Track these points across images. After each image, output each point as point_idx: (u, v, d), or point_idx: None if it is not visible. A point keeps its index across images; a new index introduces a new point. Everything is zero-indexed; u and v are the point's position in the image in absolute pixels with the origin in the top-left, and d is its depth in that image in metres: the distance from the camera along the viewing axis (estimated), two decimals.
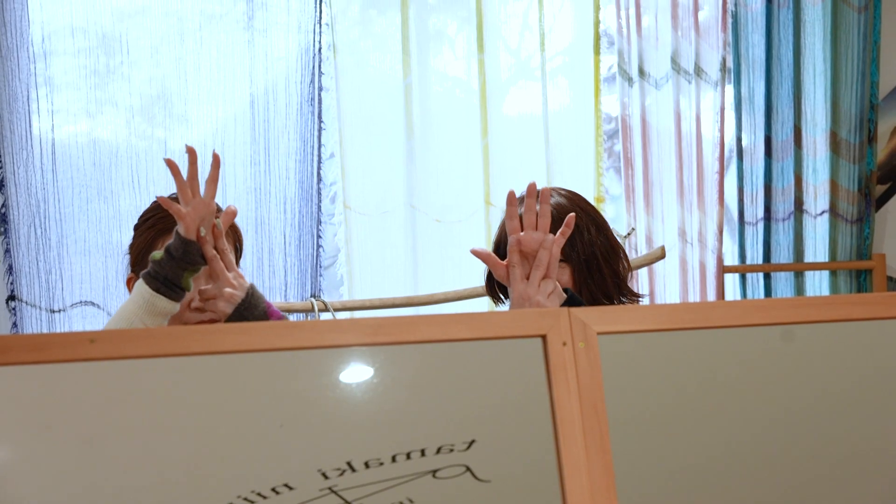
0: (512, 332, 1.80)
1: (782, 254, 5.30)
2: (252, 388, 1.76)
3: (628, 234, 5.12)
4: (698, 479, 1.92)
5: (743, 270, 5.31)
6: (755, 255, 5.31)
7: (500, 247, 2.77)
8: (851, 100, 5.26)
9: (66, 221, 4.70)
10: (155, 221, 2.78)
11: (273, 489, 1.74)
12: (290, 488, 1.74)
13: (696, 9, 5.17)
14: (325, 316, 4.69)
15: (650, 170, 5.18)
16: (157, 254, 2.64)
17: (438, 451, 1.78)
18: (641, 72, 5.17)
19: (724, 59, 5.17)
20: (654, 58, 5.19)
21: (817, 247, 5.29)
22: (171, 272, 2.62)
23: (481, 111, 5.07)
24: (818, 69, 5.25)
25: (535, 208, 2.56)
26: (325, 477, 1.75)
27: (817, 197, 5.27)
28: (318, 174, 4.90)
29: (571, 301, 2.59)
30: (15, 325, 4.70)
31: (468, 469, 1.79)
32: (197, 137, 4.82)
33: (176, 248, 2.62)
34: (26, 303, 4.70)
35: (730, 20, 5.22)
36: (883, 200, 5.40)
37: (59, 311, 4.67)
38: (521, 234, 2.56)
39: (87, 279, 4.67)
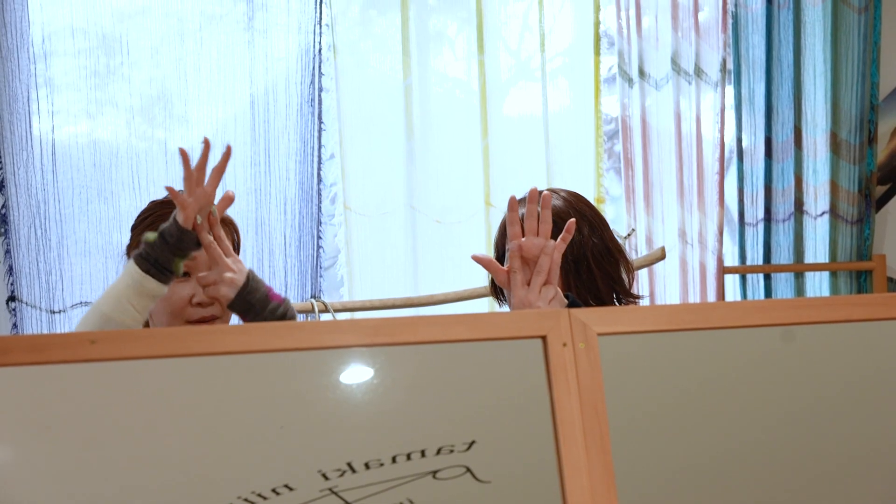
0: (512, 333, 1.80)
1: (782, 255, 5.30)
2: (252, 389, 1.76)
3: (628, 234, 5.12)
4: (698, 480, 1.92)
5: (743, 271, 5.31)
6: (755, 256, 5.31)
7: (499, 249, 2.77)
8: (852, 101, 5.26)
9: (66, 222, 4.70)
10: (154, 220, 2.77)
11: (273, 490, 1.74)
12: (291, 489, 1.74)
13: (697, 9, 5.17)
14: (326, 317, 4.69)
15: (650, 170, 5.18)
16: (151, 235, 2.63)
17: (439, 451, 1.78)
18: (641, 72, 5.17)
19: (724, 60, 5.17)
20: (654, 58, 5.19)
21: (817, 248, 5.29)
22: (162, 256, 2.62)
23: (481, 112, 5.07)
24: (818, 70, 5.25)
25: (536, 213, 2.55)
26: (326, 478, 1.75)
27: (817, 198, 5.27)
28: (319, 175, 4.90)
29: (573, 306, 2.58)
30: (15, 325, 4.70)
31: (468, 470, 1.79)
32: (197, 138, 4.82)
33: (171, 234, 2.62)
34: (26, 303, 4.70)
35: (730, 21, 5.22)
36: (883, 201, 5.40)
37: (60, 311, 4.67)
38: (523, 239, 2.56)
39: (87, 280, 4.67)
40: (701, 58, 5.19)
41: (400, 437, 1.79)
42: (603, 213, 2.98)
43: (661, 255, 4.97)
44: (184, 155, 2.66)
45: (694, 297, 5.16)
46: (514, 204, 2.57)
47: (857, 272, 5.32)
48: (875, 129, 5.30)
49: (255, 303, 2.67)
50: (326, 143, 4.95)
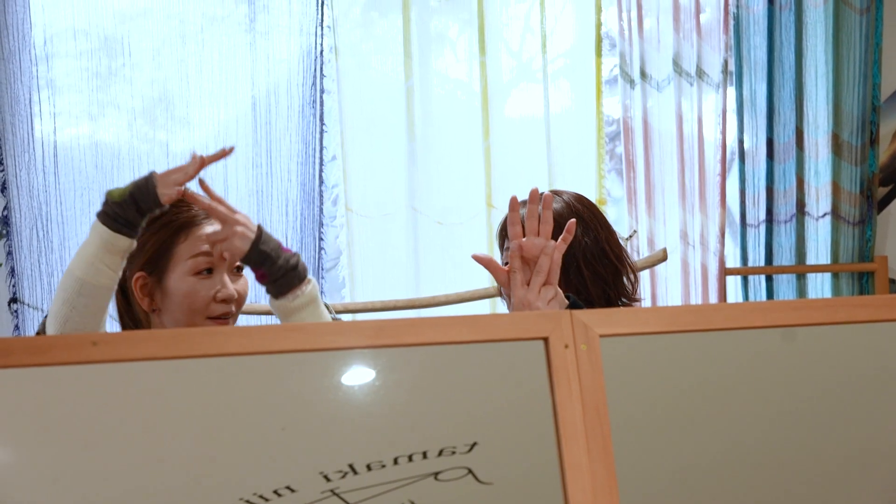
0: (514, 335, 1.80)
1: (784, 256, 5.30)
2: (254, 391, 1.76)
3: (630, 236, 5.12)
4: (700, 481, 1.92)
5: (745, 273, 5.30)
6: (757, 258, 5.31)
7: (501, 246, 2.78)
8: (853, 102, 5.25)
9: (67, 224, 4.71)
10: (170, 219, 2.78)
11: (275, 491, 1.74)
12: (292, 490, 1.74)
13: (698, 11, 5.18)
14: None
15: (652, 172, 5.18)
16: (117, 193, 2.66)
17: (440, 453, 1.78)
18: (643, 74, 5.17)
19: (725, 62, 5.17)
20: (655, 60, 5.19)
21: (819, 249, 5.29)
22: (130, 214, 2.65)
23: (483, 113, 5.07)
24: (820, 71, 5.25)
25: (537, 214, 2.56)
26: (327, 479, 1.75)
27: (819, 199, 5.27)
28: (320, 176, 4.91)
29: (574, 307, 2.58)
30: (17, 327, 4.71)
31: (470, 471, 1.79)
32: (198, 140, 4.82)
33: (144, 201, 2.64)
34: (28, 305, 4.70)
35: (731, 22, 5.22)
36: (885, 202, 5.40)
37: None
38: (523, 239, 2.56)
39: None
40: (702, 59, 5.19)
41: (402, 438, 1.79)
42: (606, 216, 2.97)
43: (663, 257, 4.97)
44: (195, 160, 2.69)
45: (696, 299, 5.16)
46: (515, 204, 2.58)
47: (859, 274, 5.32)
48: (877, 131, 5.30)
49: (269, 252, 2.66)
50: (328, 145, 4.95)
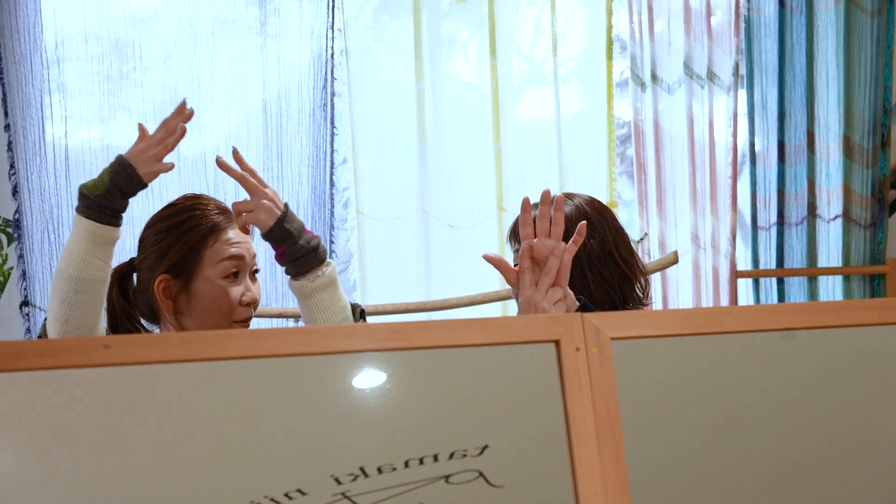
0: (525, 338, 1.80)
1: (795, 259, 5.29)
2: (265, 394, 1.76)
3: (641, 239, 5.11)
4: (712, 484, 1.91)
5: (756, 275, 5.30)
6: (768, 260, 5.30)
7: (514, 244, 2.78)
8: (865, 104, 5.25)
9: None
10: (196, 223, 2.79)
11: (286, 494, 1.74)
12: (304, 494, 1.74)
13: (709, 14, 5.17)
14: None
15: (663, 175, 5.18)
16: (95, 185, 2.68)
17: (451, 456, 1.78)
18: (654, 77, 5.17)
19: (736, 64, 5.17)
20: (666, 63, 5.19)
21: (830, 252, 5.28)
22: (116, 203, 2.70)
23: (494, 116, 5.07)
24: (831, 74, 5.24)
25: (549, 215, 2.56)
26: (338, 482, 1.75)
27: (830, 202, 5.26)
28: (331, 180, 4.91)
29: (585, 310, 2.58)
30: (28, 330, 4.71)
31: (481, 474, 1.79)
32: (210, 143, 4.83)
33: (127, 186, 2.71)
34: (40, 308, 4.71)
35: (742, 25, 5.21)
36: None
37: None
38: (534, 240, 2.56)
39: None
40: (713, 62, 5.18)
41: (413, 441, 1.78)
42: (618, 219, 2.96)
43: (674, 260, 4.97)
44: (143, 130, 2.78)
45: (707, 302, 5.15)
46: (527, 205, 2.58)
47: (870, 276, 5.31)
48: (888, 133, 5.29)
49: (292, 231, 2.69)
50: (339, 148, 4.95)
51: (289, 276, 2.73)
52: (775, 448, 1.92)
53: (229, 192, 4.70)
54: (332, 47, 4.92)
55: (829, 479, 1.96)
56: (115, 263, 2.85)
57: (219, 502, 1.75)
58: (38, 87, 4.71)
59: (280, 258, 2.72)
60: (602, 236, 2.81)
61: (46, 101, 4.72)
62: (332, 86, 4.92)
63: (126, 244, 4.72)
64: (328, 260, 2.74)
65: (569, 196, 2.85)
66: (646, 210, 5.17)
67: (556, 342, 1.78)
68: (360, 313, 2.81)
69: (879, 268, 5.27)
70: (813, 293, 5.32)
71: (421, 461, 1.77)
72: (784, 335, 1.91)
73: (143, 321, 2.87)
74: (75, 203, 4.66)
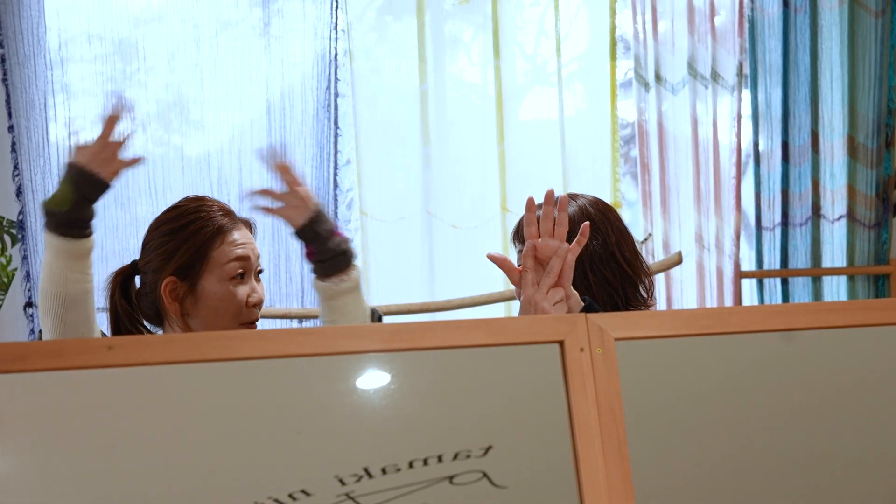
0: (529, 338, 1.80)
1: (800, 259, 5.29)
2: (269, 395, 1.76)
3: (645, 239, 5.11)
4: (716, 485, 1.91)
5: (760, 276, 5.29)
6: (772, 261, 5.30)
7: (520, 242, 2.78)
8: (869, 104, 5.24)
9: None
10: (202, 225, 2.80)
11: (290, 495, 1.74)
12: (308, 494, 1.74)
13: (713, 14, 5.17)
14: None
15: (667, 175, 5.17)
16: (61, 200, 2.68)
17: (455, 456, 1.78)
18: (658, 77, 5.16)
19: (740, 64, 5.16)
20: (670, 63, 5.18)
21: (835, 252, 5.28)
22: (86, 213, 2.68)
23: (497, 117, 5.07)
24: (835, 74, 5.24)
25: (552, 215, 2.56)
26: (343, 483, 1.75)
27: (835, 202, 5.26)
28: (335, 180, 4.91)
29: (589, 310, 2.57)
30: (32, 331, 4.71)
31: (485, 475, 1.79)
32: (213, 143, 4.83)
33: (93, 192, 2.68)
34: None
35: (746, 25, 5.21)
36: None
37: None
38: (538, 240, 2.56)
39: (103, 286, 4.67)
40: (717, 62, 5.18)
41: (417, 442, 1.78)
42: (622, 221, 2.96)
43: (678, 260, 4.97)
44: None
45: (711, 302, 5.15)
46: (531, 205, 2.58)
47: (874, 276, 5.31)
48: (892, 133, 5.29)
49: (321, 232, 2.70)
50: (342, 149, 4.95)
51: (314, 275, 2.74)
52: (780, 448, 1.92)
53: (233, 193, 4.70)
54: (336, 48, 4.92)
55: (834, 479, 1.96)
56: (116, 265, 2.86)
57: (223, 503, 1.75)
58: (41, 88, 4.71)
59: (309, 257, 2.73)
60: (605, 237, 2.81)
61: (50, 102, 4.72)
62: (335, 86, 4.92)
63: (129, 246, 4.72)
64: (355, 264, 2.76)
65: (573, 196, 2.85)
66: (650, 210, 5.17)
67: (560, 343, 1.78)
68: (378, 318, 2.82)
69: (884, 268, 5.27)
70: (817, 293, 5.32)
71: (425, 462, 1.77)
72: (783, 336, 1.91)
73: (146, 323, 2.87)
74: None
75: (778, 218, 5.27)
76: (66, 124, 4.74)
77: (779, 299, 5.31)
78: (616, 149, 5.15)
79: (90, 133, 4.72)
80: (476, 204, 5.10)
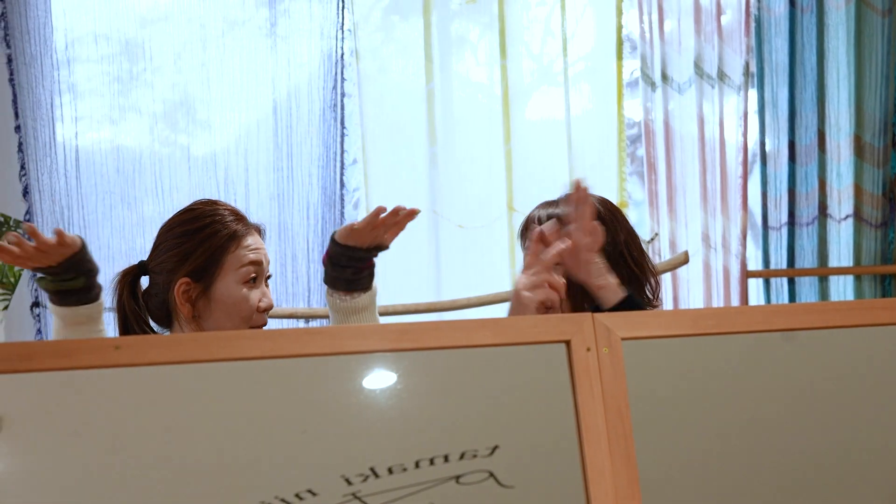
0: (536, 338, 1.80)
1: (806, 258, 5.28)
2: (276, 395, 1.76)
3: (651, 239, 5.11)
4: (723, 484, 1.91)
5: (767, 275, 5.29)
6: (779, 260, 5.29)
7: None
8: (875, 104, 5.24)
9: (89, 228, 4.72)
10: (216, 229, 2.82)
11: (296, 495, 1.74)
12: (314, 494, 1.74)
13: (719, 13, 5.16)
14: None
15: (673, 175, 5.17)
16: (57, 284, 2.77)
17: (462, 456, 1.78)
18: (664, 76, 5.16)
19: (747, 64, 5.16)
20: (676, 62, 5.18)
21: (841, 251, 5.27)
22: (83, 296, 2.79)
23: (504, 116, 5.07)
24: (842, 73, 5.23)
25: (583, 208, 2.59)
26: (349, 483, 1.75)
27: (841, 201, 5.25)
28: (341, 180, 4.91)
29: (632, 304, 2.56)
30: (39, 331, 4.72)
31: (491, 475, 1.79)
32: (220, 143, 4.83)
33: (85, 264, 2.77)
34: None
35: (753, 24, 5.20)
36: None
37: None
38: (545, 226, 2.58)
39: (110, 286, 4.68)
40: (724, 61, 5.17)
41: (423, 441, 1.78)
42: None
43: (685, 260, 4.96)
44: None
45: (717, 302, 5.15)
46: (541, 237, 2.61)
47: (881, 276, 5.30)
48: None
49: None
50: (349, 149, 4.95)
51: (334, 289, 2.86)
52: (786, 447, 1.92)
53: (239, 194, 4.71)
54: (342, 48, 4.92)
55: (840, 478, 1.96)
56: (123, 265, 2.89)
57: (229, 502, 1.75)
58: (48, 88, 4.71)
59: (361, 268, 2.93)
60: (614, 236, 2.81)
61: (57, 102, 4.73)
62: (342, 86, 4.92)
63: (136, 245, 4.73)
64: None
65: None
66: (656, 210, 5.16)
67: (567, 342, 1.78)
68: None
69: (890, 267, 5.26)
70: (824, 293, 5.31)
71: (431, 461, 1.77)
72: (785, 335, 1.91)
73: (152, 324, 2.88)
74: (85, 204, 4.68)
75: (784, 217, 5.27)
76: (72, 124, 4.74)
77: (785, 299, 5.31)
78: (622, 148, 5.15)
79: (99, 133, 4.73)
80: (482, 203, 5.10)
